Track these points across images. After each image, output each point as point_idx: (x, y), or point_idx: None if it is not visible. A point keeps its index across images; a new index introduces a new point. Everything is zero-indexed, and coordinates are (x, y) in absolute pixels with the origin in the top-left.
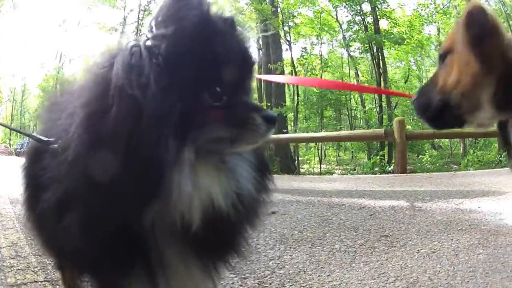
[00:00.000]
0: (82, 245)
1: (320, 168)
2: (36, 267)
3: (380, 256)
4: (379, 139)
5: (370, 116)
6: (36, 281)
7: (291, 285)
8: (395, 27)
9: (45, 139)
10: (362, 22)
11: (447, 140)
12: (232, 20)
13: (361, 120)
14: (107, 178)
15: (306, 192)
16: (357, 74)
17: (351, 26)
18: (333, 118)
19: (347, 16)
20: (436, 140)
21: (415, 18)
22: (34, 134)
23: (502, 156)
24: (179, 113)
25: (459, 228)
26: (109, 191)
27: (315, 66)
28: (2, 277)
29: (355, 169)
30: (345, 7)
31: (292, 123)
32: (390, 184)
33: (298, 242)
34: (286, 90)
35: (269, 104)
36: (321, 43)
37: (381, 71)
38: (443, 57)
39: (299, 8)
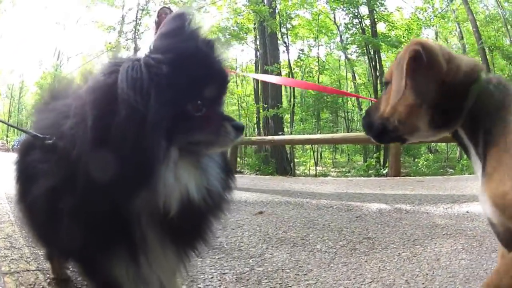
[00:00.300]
0: (74, 229)
1: (316, 170)
2: (29, 257)
3: (359, 258)
4: (373, 142)
5: None
6: (28, 270)
7: (267, 282)
8: (393, 30)
9: (41, 135)
10: (359, 25)
11: (444, 144)
12: (213, 43)
13: (358, 122)
14: (109, 170)
15: (296, 193)
16: (354, 77)
17: (349, 28)
18: (330, 120)
19: (345, 18)
20: (433, 144)
21: (413, 21)
22: (30, 130)
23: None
24: (169, 120)
25: (444, 233)
26: (110, 181)
27: (312, 68)
28: None
29: (350, 172)
30: (343, 9)
31: (289, 125)
32: (381, 187)
33: (281, 242)
34: (283, 92)
35: (265, 105)
36: (319, 45)
37: (378, 74)
38: (386, 84)
39: (297, 10)
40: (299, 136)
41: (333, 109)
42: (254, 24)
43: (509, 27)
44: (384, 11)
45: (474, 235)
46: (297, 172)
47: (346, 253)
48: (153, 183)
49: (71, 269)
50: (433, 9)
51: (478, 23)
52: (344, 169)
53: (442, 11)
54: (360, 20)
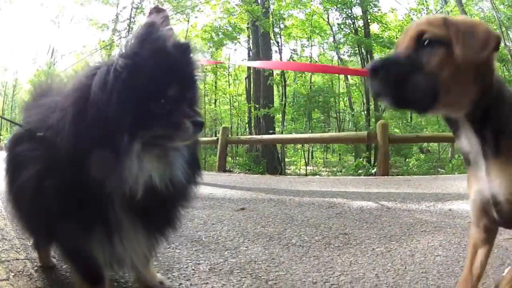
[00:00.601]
0: (55, 209)
1: (306, 169)
2: (19, 248)
3: (332, 252)
4: (362, 142)
5: (358, 119)
6: (18, 259)
7: (239, 272)
8: (386, 31)
9: (33, 129)
10: (352, 25)
11: (436, 144)
12: (186, 46)
13: (350, 122)
14: (83, 157)
15: (281, 191)
16: (346, 77)
17: (342, 29)
18: (321, 120)
19: (338, 19)
20: (425, 144)
21: (407, 23)
22: (23, 124)
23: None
24: (131, 117)
25: (422, 230)
26: (83, 166)
27: None
28: None
29: (341, 171)
30: (336, 10)
31: (281, 125)
32: (366, 186)
33: (258, 236)
34: (275, 92)
35: (257, 105)
36: (312, 45)
37: None
38: (434, 43)
39: (291, 10)
40: (288, 136)
41: (325, 109)
42: (248, 24)
43: (503, 29)
44: (377, 12)
45: (453, 232)
46: (288, 171)
47: (320, 247)
48: (120, 170)
49: (56, 258)
50: (427, 10)
51: None
52: (335, 169)
53: (436, 13)
54: (353, 21)
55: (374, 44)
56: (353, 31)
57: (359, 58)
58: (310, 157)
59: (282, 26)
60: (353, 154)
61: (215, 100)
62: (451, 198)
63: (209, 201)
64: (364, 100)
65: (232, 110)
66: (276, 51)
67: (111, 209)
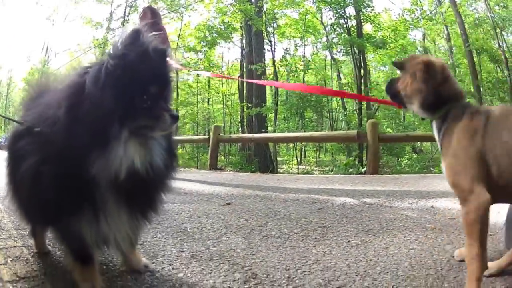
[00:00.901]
0: (50, 192)
1: (298, 168)
2: (16, 237)
3: (309, 243)
4: (352, 141)
5: (350, 119)
6: (15, 246)
7: (218, 259)
8: (379, 31)
9: (31, 125)
10: (345, 25)
11: (428, 143)
12: (163, 51)
13: (342, 122)
14: (77, 143)
15: (268, 188)
16: (339, 77)
17: (334, 29)
18: (314, 119)
19: (331, 19)
20: (418, 144)
21: (401, 23)
22: (22, 121)
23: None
24: (121, 109)
25: (401, 225)
26: (77, 151)
27: (297, 67)
28: None
29: (333, 170)
30: (330, 9)
31: (273, 124)
32: (353, 184)
33: (240, 228)
34: (268, 91)
35: (250, 104)
36: (305, 44)
37: (361, 74)
38: (399, 68)
39: (284, 9)
40: (279, 134)
41: (317, 108)
42: (241, 23)
43: (497, 30)
44: (371, 12)
45: (432, 228)
46: (280, 170)
47: (298, 239)
48: (107, 154)
49: (51, 245)
50: (421, 11)
51: (466, 26)
52: (327, 168)
53: (430, 13)
54: (346, 20)
55: (367, 44)
56: (346, 30)
57: (351, 58)
58: (302, 156)
59: (275, 25)
60: (345, 153)
61: (208, 99)
62: (435, 195)
63: (197, 196)
64: (356, 99)
65: (225, 109)
66: (268, 50)
67: (98, 190)
